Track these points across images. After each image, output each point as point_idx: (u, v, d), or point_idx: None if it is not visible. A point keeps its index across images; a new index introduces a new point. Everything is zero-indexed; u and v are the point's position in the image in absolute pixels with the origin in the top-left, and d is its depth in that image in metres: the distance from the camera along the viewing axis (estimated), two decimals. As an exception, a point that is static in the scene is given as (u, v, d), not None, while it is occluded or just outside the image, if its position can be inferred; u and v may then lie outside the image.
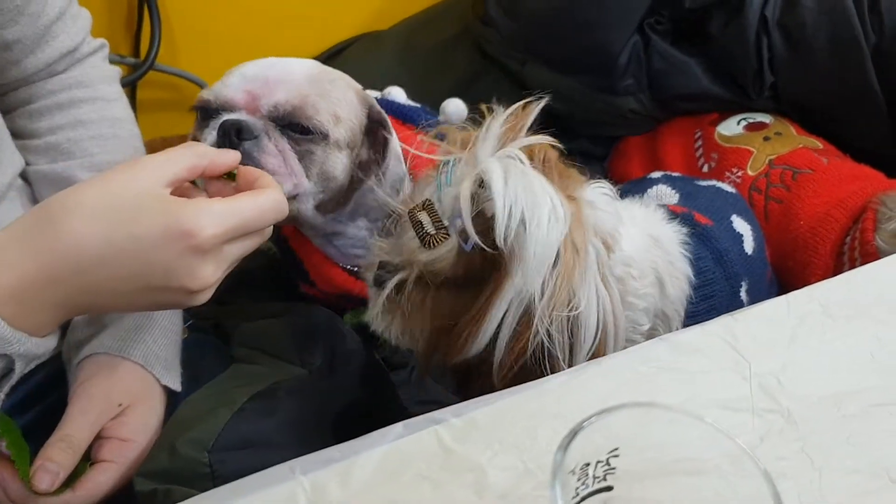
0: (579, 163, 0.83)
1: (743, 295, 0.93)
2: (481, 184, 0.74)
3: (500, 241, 0.72)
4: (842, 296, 0.75)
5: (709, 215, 0.97)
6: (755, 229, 1.01)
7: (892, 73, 1.40)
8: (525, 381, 0.73)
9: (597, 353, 0.76)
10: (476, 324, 0.75)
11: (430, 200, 0.78)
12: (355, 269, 1.10)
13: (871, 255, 1.17)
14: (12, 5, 0.89)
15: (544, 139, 0.79)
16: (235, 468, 0.73)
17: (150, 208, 0.65)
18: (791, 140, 1.42)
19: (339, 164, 0.95)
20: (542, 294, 0.73)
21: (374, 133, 0.99)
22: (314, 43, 1.76)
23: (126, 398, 0.83)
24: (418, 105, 1.22)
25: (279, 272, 1.26)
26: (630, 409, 0.50)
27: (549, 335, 0.74)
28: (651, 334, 0.86)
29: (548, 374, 0.73)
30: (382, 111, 0.99)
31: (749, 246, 0.98)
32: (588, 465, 0.49)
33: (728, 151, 1.43)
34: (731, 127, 1.48)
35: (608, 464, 0.50)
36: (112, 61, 1.08)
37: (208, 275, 0.67)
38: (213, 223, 0.65)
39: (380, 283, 0.82)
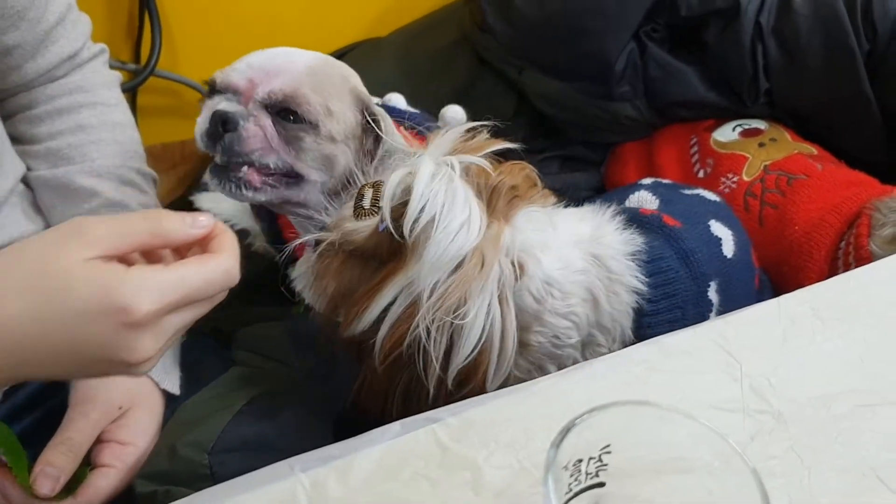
0: (576, 169, 0.85)
1: (711, 294, 0.94)
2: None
3: (405, 230, 0.75)
4: (832, 299, 0.76)
5: (682, 219, 0.98)
6: (738, 235, 1.03)
7: (885, 81, 1.41)
8: (402, 372, 0.78)
9: (476, 363, 0.77)
10: (366, 300, 0.78)
11: (381, 182, 0.80)
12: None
13: (865, 260, 1.17)
14: (13, 11, 0.89)
15: (521, 164, 0.84)
16: (235, 470, 0.73)
17: (83, 281, 0.59)
18: (786, 146, 1.42)
19: (339, 154, 0.96)
20: (432, 293, 0.74)
21: (372, 130, 1.00)
22: (314, 49, 1.75)
23: (126, 401, 0.84)
24: (418, 111, 1.23)
25: (277, 275, 1.27)
26: (621, 406, 0.52)
27: (428, 332, 0.75)
28: (589, 341, 0.88)
29: (420, 370, 0.76)
30: (380, 111, 1.00)
31: (729, 250, 0.99)
32: (581, 461, 0.50)
33: (723, 157, 1.44)
34: (726, 133, 1.49)
35: (600, 460, 0.51)
36: (113, 67, 1.08)
37: (146, 349, 0.61)
38: (151, 298, 0.59)
39: (314, 247, 0.85)
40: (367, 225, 0.79)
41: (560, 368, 0.85)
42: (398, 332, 0.76)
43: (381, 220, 0.77)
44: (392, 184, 0.77)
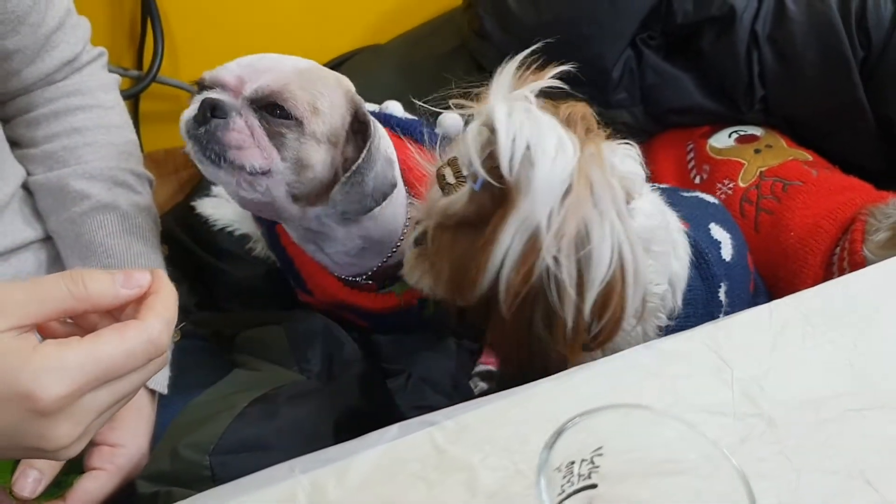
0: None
1: (721, 296, 0.95)
2: (493, 128, 0.75)
3: (504, 171, 0.73)
4: (821, 304, 0.77)
5: (686, 221, 0.98)
6: (735, 238, 1.03)
7: (879, 88, 1.42)
8: (533, 310, 0.75)
9: (611, 287, 0.75)
10: (484, 254, 0.75)
11: (454, 157, 0.79)
12: (350, 278, 1.12)
13: (859, 265, 1.18)
14: (13, 15, 0.89)
15: (546, 82, 0.81)
16: (236, 471, 0.74)
17: None
18: (781, 152, 1.43)
19: (315, 155, 0.95)
20: (549, 224, 0.72)
21: (360, 135, 1.01)
22: (314, 56, 1.72)
23: None
24: (416, 118, 1.23)
25: (278, 280, 1.28)
26: (614, 410, 0.53)
27: (557, 262, 0.73)
28: (662, 300, 0.88)
29: (555, 303, 0.75)
30: (369, 115, 1.01)
31: (727, 253, 1.00)
32: (573, 463, 0.52)
33: (720, 163, 1.45)
34: (722, 139, 1.50)
35: (592, 462, 0.52)
36: (115, 73, 1.08)
37: (63, 435, 0.55)
38: (59, 382, 0.53)
39: (417, 242, 0.85)
40: (461, 194, 0.78)
41: (643, 327, 0.86)
42: (523, 270, 0.74)
43: (474, 181, 0.76)
44: (472, 138, 0.75)
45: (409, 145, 1.08)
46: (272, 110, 0.93)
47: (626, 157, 0.82)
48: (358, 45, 1.76)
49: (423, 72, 1.62)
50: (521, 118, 0.74)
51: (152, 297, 0.59)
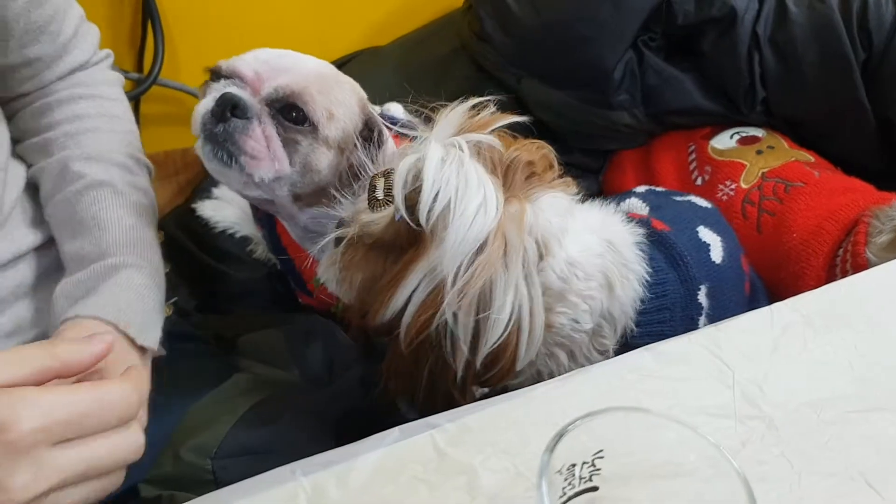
0: (575, 176, 0.86)
1: (701, 298, 0.95)
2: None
3: (422, 218, 0.74)
4: (822, 307, 0.77)
5: (670, 224, 0.99)
6: (727, 241, 1.03)
7: (880, 89, 1.42)
8: (428, 355, 0.78)
9: (504, 346, 0.77)
10: (391, 288, 0.77)
11: (391, 170, 0.79)
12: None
13: (862, 267, 1.18)
14: (35, 25, 0.91)
15: (538, 143, 0.83)
16: (237, 474, 0.74)
17: None
18: (783, 153, 1.43)
19: (324, 159, 0.96)
20: (455, 279, 0.74)
21: (368, 141, 1.01)
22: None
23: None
24: (417, 120, 1.24)
25: (278, 283, 1.28)
26: (614, 412, 0.53)
27: (455, 317, 0.75)
28: (595, 332, 0.88)
29: (448, 354, 0.77)
30: (382, 123, 1.01)
31: (717, 255, 0.99)
32: (574, 465, 0.52)
33: (721, 165, 1.45)
34: (724, 141, 1.50)
35: (593, 465, 0.52)
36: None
37: (21, 485, 0.52)
38: (32, 416, 0.53)
39: (336, 241, 0.85)
40: (383, 216, 0.79)
41: (570, 358, 0.86)
42: (422, 318, 0.76)
43: (396, 210, 0.77)
44: (402, 171, 0.76)
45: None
46: (288, 112, 0.93)
47: (554, 203, 0.83)
48: (358, 48, 1.77)
49: (423, 74, 1.62)
50: (450, 171, 0.74)
51: (129, 370, 0.63)
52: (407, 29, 1.77)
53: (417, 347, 0.78)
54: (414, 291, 0.76)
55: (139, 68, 1.69)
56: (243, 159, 0.92)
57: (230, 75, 0.95)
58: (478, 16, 1.56)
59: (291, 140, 0.94)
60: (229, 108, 0.92)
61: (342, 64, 1.76)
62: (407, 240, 0.78)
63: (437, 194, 0.73)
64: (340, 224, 0.85)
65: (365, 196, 0.82)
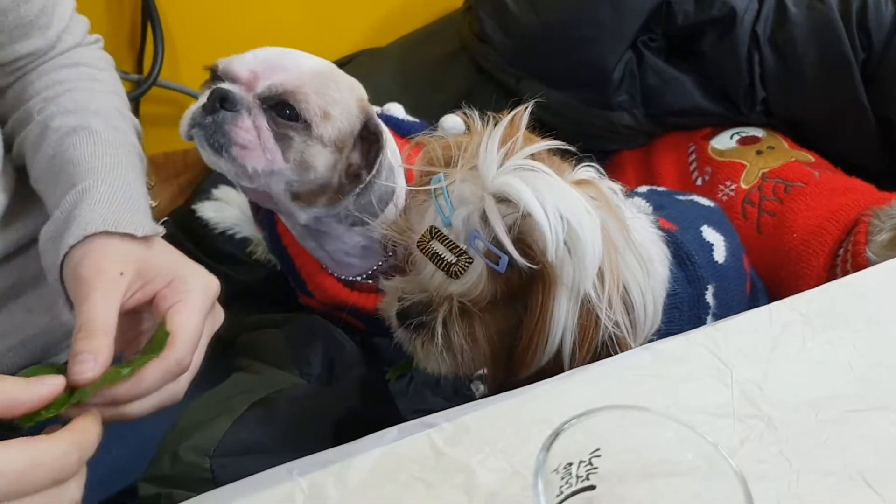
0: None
1: (709, 298, 0.95)
2: (499, 200, 0.72)
3: (551, 254, 0.70)
4: (821, 306, 0.77)
5: (676, 223, 0.99)
6: (730, 240, 1.03)
7: (880, 89, 1.42)
8: None
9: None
10: (539, 336, 0.74)
11: (436, 228, 0.75)
12: (349, 279, 1.12)
13: (862, 267, 1.18)
14: (25, 20, 0.89)
15: (547, 144, 0.80)
16: (236, 473, 0.74)
17: None
18: (783, 154, 1.44)
19: (320, 157, 0.96)
20: (596, 288, 0.72)
21: (368, 143, 1.01)
22: None
23: (121, 264, 0.71)
24: (417, 120, 1.24)
25: (278, 283, 1.28)
26: (611, 411, 0.53)
27: (617, 325, 0.74)
28: None
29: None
30: (381, 125, 1.01)
31: (720, 255, 0.99)
32: (571, 464, 0.52)
33: (721, 165, 1.45)
34: (724, 141, 1.50)
35: (590, 463, 0.52)
36: None
37: None
38: None
39: (414, 326, 0.80)
40: (476, 275, 0.74)
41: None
42: (587, 340, 0.74)
43: (493, 261, 0.72)
44: (496, 219, 0.71)
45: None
46: (282, 110, 0.93)
47: (610, 184, 0.82)
48: (357, 49, 1.77)
49: (423, 75, 1.62)
50: (550, 194, 0.71)
51: (75, 422, 0.57)
52: (406, 30, 1.77)
53: None
54: (566, 322, 0.73)
55: (139, 70, 1.69)
56: (234, 150, 0.92)
57: (226, 76, 0.95)
58: (477, 17, 1.57)
59: (284, 135, 0.94)
60: (219, 101, 0.92)
61: (342, 65, 1.75)
62: (520, 282, 0.74)
63: (552, 222, 0.70)
64: (410, 309, 0.80)
65: (430, 268, 0.76)
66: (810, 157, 1.43)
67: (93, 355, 0.61)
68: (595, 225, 0.73)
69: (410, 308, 0.80)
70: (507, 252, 0.71)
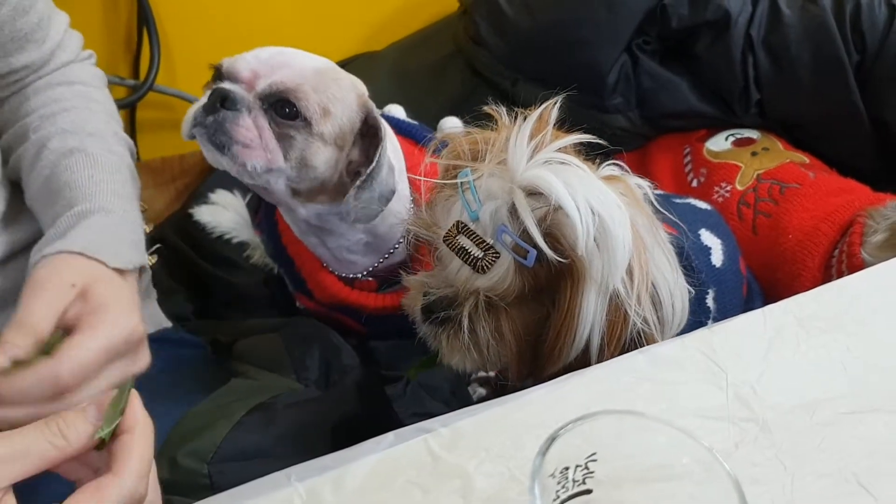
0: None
1: (709, 302, 0.95)
2: (528, 194, 0.72)
3: (581, 248, 0.70)
4: (815, 309, 0.77)
5: (675, 227, 0.99)
6: (727, 243, 1.03)
7: (874, 90, 1.43)
8: None
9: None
10: (567, 332, 0.74)
11: (462, 223, 0.75)
12: (349, 276, 1.13)
13: (857, 268, 1.18)
14: (21, 33, 0.90)
15: (577, 137, 0.79)
16: (234, 479, 0.74)
17: None
18: (778, 155, 1.44)
19: (320, 155, 0.97)
20: (624, 283, 0.72)
21: (368, 138, 1.01)
22: None
23: (78, 279, 0.73)
24: (416, 122, 1.24)
25: (275, 287, 1.29)
26: (607, 416, 0.53)
27: (646, 321, 0.74)
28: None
29: None
30: (381, 120, 1.01)
31: (717, 259, 1.00)
32: (567, 468, 0.52)
33: (717, 167, 1.45)
34: (719, 143, 1.50)
35: (587, 468, 0.53)
36: (112, 83, 1.08)
37: None
38: None
39: (441, 321, 0.80)
40: (504, 269, 0.74)
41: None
42: (615, 337, 0.74)
43: (521, 255, 0.72)
44: (526, 212, 0.71)
45: (412, 147, 1.09)
46: (282, 108, 0.93)
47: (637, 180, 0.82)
48: (353, 53, 1.77)
49: (419, 78, 1.63)
50: (581, 188, 0.71)
51: (127, 438, 0.56)
52: (402, 34, 1.77)
53: None
54: (594, 318, 0.73)
55: (135, 75, 1.69)
56: (235, 148, 0.93)
57: (228, 75, 0.96)
58: (473, 20, 1.57)
59: (285, 135, 0.94)
60: (219, 101, 0.93)
61: (338, 69, 1.77)
62: (548, 277, 0.74)
63: (586, 215, 0.70)
64: (435, 303, 0.80)
65: (456, 263, 0.76)
66: (805, 158, 1.44)
67: (16, 348, 0.64)
68: (625, 220, 0.72)
69: (436, 303, 0.80)
70: (536, 246, 0.71)
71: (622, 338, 0.75)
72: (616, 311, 0.74)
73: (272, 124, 0.94)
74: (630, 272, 0.73)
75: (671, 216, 0.88)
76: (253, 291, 1.31)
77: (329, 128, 0.96)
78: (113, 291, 0.74)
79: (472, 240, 0.74)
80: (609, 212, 0.71)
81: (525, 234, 0.72)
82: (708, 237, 1.02)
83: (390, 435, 0.65)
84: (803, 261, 1.27)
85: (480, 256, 0.73)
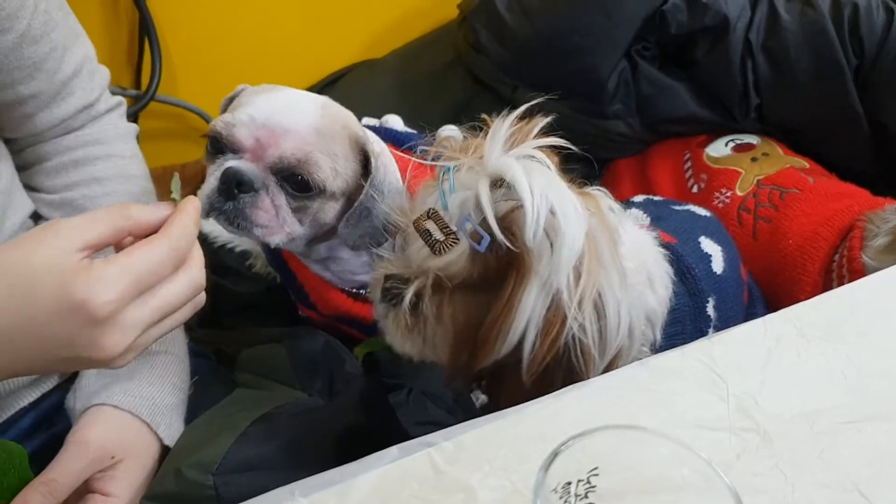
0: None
1: (710, 311, 0.96)
2: (494, 184, 0.74)
3: (529, 238, 0.72)
4: (815, 318, 0.78)
5: (675, 235, 0.99)
6: (727, 250, 1.04)
7: (873, 94, 1.43)
8: (551, 378, 0.76)
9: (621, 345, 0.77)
10: (503, 322, 0.75)
11: (434, 209, 0.78)
12: (355, 290, 1.13)
13: (858, 272, 1.19)
14: (30, 62, 0.89)
15: (553, 141, 0.80)
16: (239, 490, 0.76)
17: (45, 283, 0.62)
18: (778, 160, 1.44)
19: (331, 211, 0.98)
20: (569, 286, 0.73)
21: (364, 167, 1.01)
22: (311, 72, 1.80)
23: (120, 452, 0.82)
24: (415, 131, 1.24)
25: (279, 297, 1.29)
26: (609, 430, 0.54)
27: (582, 328, 0.74)
28: (643, 339, 0.88)
29: (580, 367, 0.76)
30: (371, 144, 1.00)
31: (718, 266, 1.00)
32: (570, 483, 0.52)
33: (717, 172, 1.46)
34: (719, 148, 1.51)
35: (589, 482, 0.53)
36: (114, 93, 1.07)
37: (112, 345, 0.64)
38: (105, 290, 0.62)
39: (392, 298, 0.82)
40: (458, 254, 0.76)
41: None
42: (549, 338, 0.75)
43: (476, 240, 0.74)
44: (486, 196, 0.74)
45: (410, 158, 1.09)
46: (294, 179, 0.93)
47: (605, 197, 0.83)
48: (354, 61, 1.78)
49: (419, 85, 1.63)
50: (540, 180, 0.73)
51: (172, 215, 0.70)
52: (402, 41, 1.78)
53: (542, 371, 0.76)
54: (531, 314, 0.74)
55: (137, 85, 1.70)
56: (256, 231, 0.95)
57: (229, 146, 0.94)
58: (472, 27, 1.58)
59: (303, 207, 0.96)
60: (235, 185, 0.93)
61: (338, 78, 1.77)
62: (497, 267, 0.75)
63: (540, 207, 0.72)
64: (393, 286, 0.82)
65: (419, 244, 0.79)
66: (805, 163, 1.44)
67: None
68: (580, 221, 0.73)
69: (390, 280, 0.83)
70: (490, 232, 0.73)
71: (557, 340, 0.75)
72: (556, 311, 0.74)
73: (288, 199, 0.95)
74: (577, 276, 0.74)
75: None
76: (256, 299, 1.32)
77: (339, 184, 0.96)
78: (133, 479, 0.83)
79: (437, 225, 0.77)
80: (564, 209, 0.73)
81: (485, 223, 0.74)
82: (708, 244, 1.02)
83: (394, 449, 0.65)
84: (804, 265, 1.27)
85: (441, 240, 0.77)
